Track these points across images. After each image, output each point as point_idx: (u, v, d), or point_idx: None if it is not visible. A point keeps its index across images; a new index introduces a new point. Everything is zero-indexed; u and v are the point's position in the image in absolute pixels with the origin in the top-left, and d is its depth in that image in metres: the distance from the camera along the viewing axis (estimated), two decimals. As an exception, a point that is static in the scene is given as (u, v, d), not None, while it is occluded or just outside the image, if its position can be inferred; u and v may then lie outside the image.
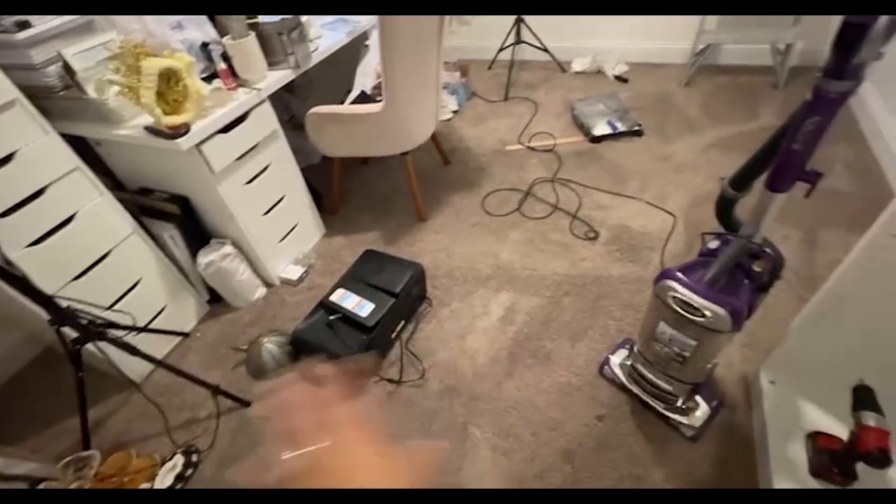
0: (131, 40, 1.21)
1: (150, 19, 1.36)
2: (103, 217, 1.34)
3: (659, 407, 1.18)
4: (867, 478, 0.94)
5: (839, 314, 0.96)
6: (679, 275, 0.87)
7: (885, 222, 0.80)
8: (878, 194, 1.76)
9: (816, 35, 2.44)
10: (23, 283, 1.06)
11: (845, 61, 0.59)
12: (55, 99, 1.32)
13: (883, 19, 0.54)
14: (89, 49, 1.29)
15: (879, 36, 0.57)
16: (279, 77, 1.52)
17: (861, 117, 2.11)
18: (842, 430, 0.96)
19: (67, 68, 1.25)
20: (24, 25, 1.17)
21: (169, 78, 1.24)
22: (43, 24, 1.20)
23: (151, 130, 1.28)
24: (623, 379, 1.26)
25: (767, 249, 0.89)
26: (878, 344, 0.96)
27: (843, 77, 0.61)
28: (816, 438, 1.01)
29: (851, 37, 0.56)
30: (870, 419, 0.85)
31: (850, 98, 0.65)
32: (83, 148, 1.45)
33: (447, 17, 1.59)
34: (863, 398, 0.89)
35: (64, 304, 1.17)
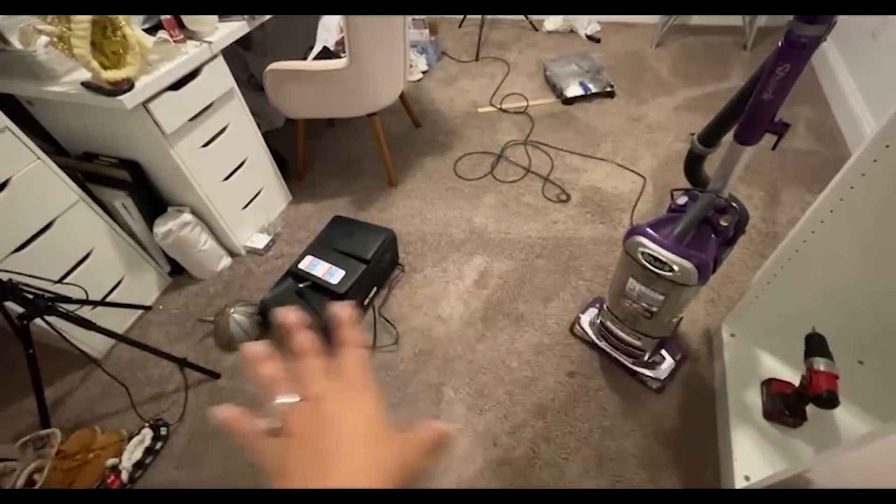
0: (57, -18, 1.08)
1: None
2: (42, 183, 1.23)
3: (627, 362, 1.22)
4: (815, 419, 1.01)
5: (796, 269, 1.00)
6: (649, 230, 0.88)
7: (840, 181, 0.82)
8: (837, 154, 1.82)
9: (785, -6, 2.44)
10: (-46, 256, 0.97)
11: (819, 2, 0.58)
12: (-27, 51, 1.18)
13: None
14: (9, -7, 1.14)
15: (852, -23, 0.56)
16: (233, 29, 1.40)
17: (823, 80, 2.15)
18: (794, 377, 1.01)
19: (-15, 15, 1.11)
20: (-74, -38, 1.02)
21: (105, 27, 1.12)
22: (-51, -39, 1.05)
23: (90, 86, 1.16)
24: (593, 337, 1.29)
25: (734, 204, 0.91)
26: (830, 295, 1.01)
27: (815, 21, 0.59)
28: (770, 384, 1.07)
29: (826, -23, 0.54)
30: (820, 364, 0.89)
31: (817, 52, 0.64)
32: (14, 107, 1.32)
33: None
34: (815, 345, 0.94)
35: (5, 277, 1.08)
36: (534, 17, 2.85)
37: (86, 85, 1.17)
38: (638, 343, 1.14)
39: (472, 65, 2.61)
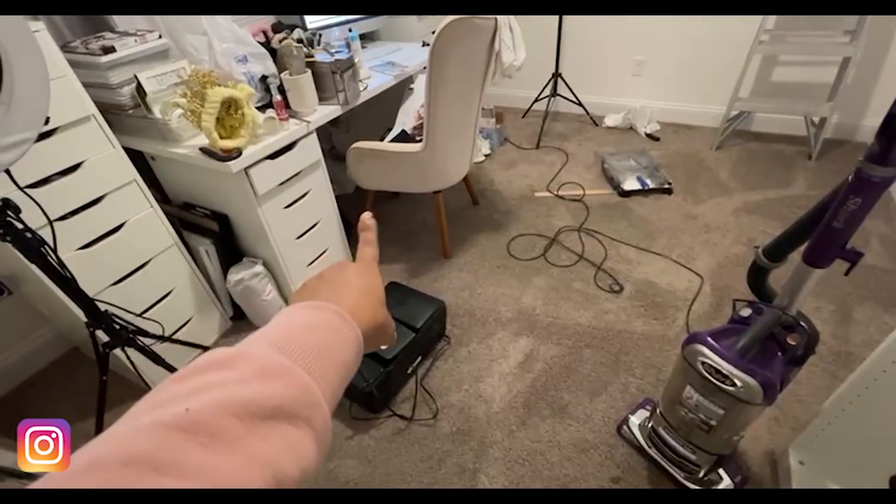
0: (201, 69, 1.32)
1: (218, 52, 1.48)
2: (149, 228, 1.41)
3: (679, 476, 1.13)
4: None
5: (876, 397, 0.93)
6: (710, 340, 0.86)
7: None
8: (917, 275, 1.72)
9: (852, 110, 2.46)
10: (70, 284, 1.11)
11: (889, 150, 0.61)
12: (123, 116, 1.42)
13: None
14: (162, 74, 1.40)
15: (924, 128, 0.59)
16: (328, 112, 1.61)
17: (898, 195, 2.09)
18: (878, 525, 0.90)
19: (140, 90, 1.36)
20: (109, 50, 1.29)
21: (229, 106, 1.33)
22: (125, 49, 1.32)
23: (206, 152, 1.36)
24: (642, 441, 1.22)
25: (802, 323, 0.88)
26: (918, 434, 0.91)
27: (886, 164, 0.62)
28: (850, 530, 0.95)
29: (896, 127, 0.58)
30: (910, 516, 0.79)
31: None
32: (138, 161, 1.55)
33: (492, 69, 1.68)
34: (902, 491, 0.84)
35: (102, 307, 1.21)
36: (595, 113, 3.03)
37: (203, 150, 1.37)
38: (692, 457, 1.07)
39: (532, 152, 2.77)
